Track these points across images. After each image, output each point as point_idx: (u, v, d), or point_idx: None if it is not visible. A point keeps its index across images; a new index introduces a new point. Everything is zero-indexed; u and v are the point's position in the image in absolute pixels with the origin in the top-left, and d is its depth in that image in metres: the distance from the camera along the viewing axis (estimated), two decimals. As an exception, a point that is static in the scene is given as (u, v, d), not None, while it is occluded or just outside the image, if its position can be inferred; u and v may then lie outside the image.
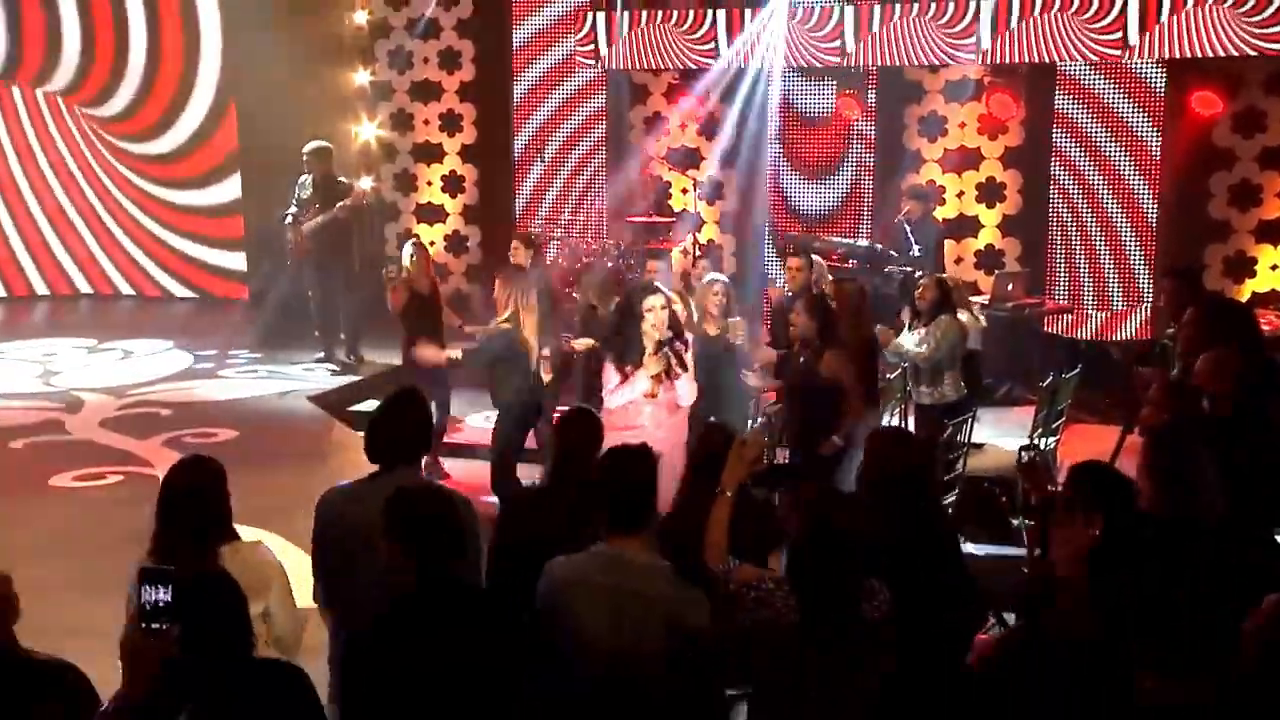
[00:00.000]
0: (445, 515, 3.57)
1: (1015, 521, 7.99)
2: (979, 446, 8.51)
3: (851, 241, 11.80)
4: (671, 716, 3.82)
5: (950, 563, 4.45)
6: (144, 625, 3.15)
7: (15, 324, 14.52)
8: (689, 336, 7.15)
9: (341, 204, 11.83)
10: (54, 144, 15.36)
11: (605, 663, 3.73)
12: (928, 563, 4.22)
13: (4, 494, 8.71)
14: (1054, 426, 8.49)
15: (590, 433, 4.79)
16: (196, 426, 10.13)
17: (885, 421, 8.41)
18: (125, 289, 15.56)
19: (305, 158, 11.93)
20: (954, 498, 7.72)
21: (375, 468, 4.59)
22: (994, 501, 8.23)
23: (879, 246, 11.12)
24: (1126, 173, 12.07)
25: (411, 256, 9.42)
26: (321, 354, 12.13)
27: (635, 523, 3.89)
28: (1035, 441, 8.25)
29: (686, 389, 6.89)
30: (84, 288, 15.64)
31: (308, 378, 11.72)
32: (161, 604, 3.15)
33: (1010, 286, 11.05)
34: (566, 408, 8.60)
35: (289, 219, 11.95)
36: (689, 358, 6.93)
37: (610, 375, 6.84)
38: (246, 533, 4.39)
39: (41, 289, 15.65)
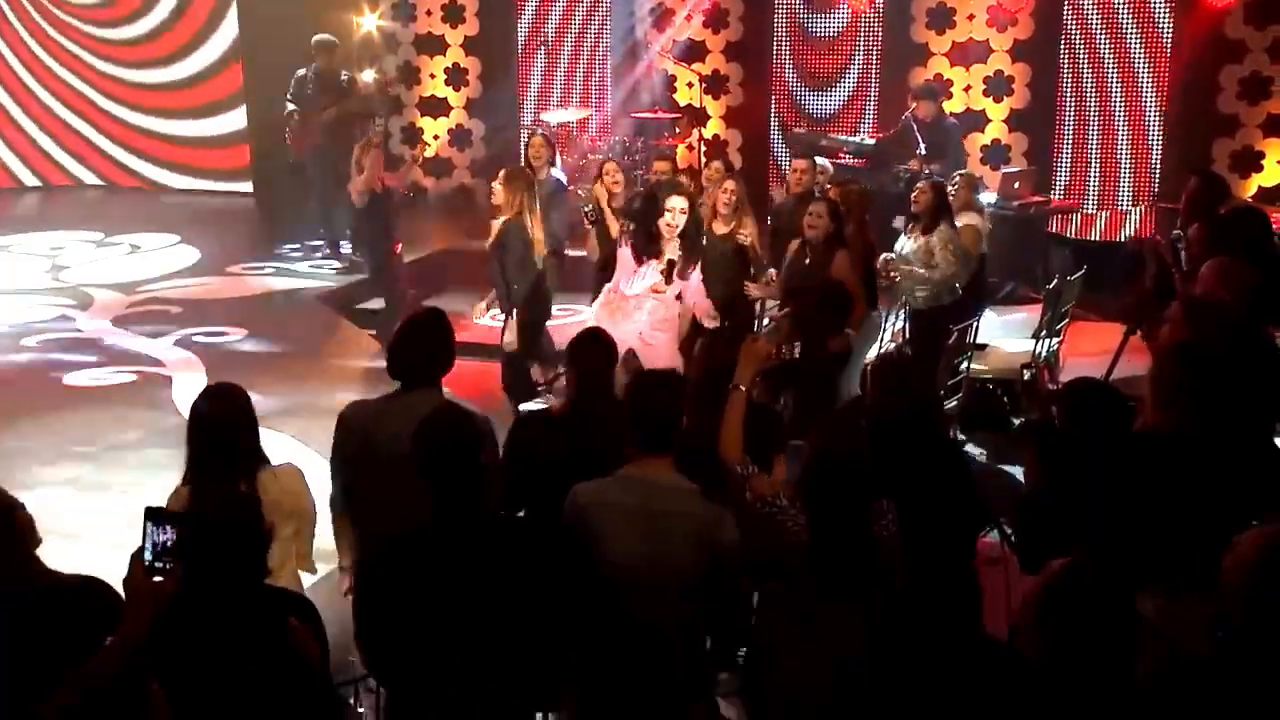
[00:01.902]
0: (466, 451, 3.59)
1: (1017, 422, 8.10)
2: (982, 347, 8.57)
3: (858, 140, 11.76)
4: (700, 629, 3.94)
5: (960, 486, 4.51)
6: (149, 565, 3.22)
7: (18, 216, 14.49)
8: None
9: (368, 94, 11.78)
10: (43, 36, 15.30)
11: (636, 581, 3.81)
12: (939, 493, 4.29)
13: (18, 393, 8.83)
14: (1057, 328, 8.55)
15: (605, 354, 4.82)
16: (206, 325, 10.21)
17: (887, 323, 8.48)
18: (126, 179, 15.55)
19: (312, 49, 11.82)
20: (957, 400, 7.83)
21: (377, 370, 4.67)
22: (996, 403, 8.31)
23: (886, 144, 11.09)
24: (1136, 66, 11.97)
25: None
26: (326, 250, 12.18)
27: (660, 445, 3.95)
28: (1039, 344, 8.32)
29: (696, 285, 7.20)
30: (87, 179, 15.62)
31: (315, 275, 11.76)
32: (168, 544, 3.21)
33: (1016, 185, 11.02)
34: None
35: (292, 112, 11.89)
36: (696, 273, 7.16)
37: (628, 262, 7.10)
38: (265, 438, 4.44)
39: (32, 180, 15.68)
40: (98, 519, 6.65)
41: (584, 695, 4.02)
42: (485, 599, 3.51)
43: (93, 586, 3.49)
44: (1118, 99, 12.07)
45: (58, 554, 3.69)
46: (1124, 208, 12.19)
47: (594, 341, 4.86)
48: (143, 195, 15.23)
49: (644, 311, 7.12)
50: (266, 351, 9.62)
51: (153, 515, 3.23)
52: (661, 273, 7.13)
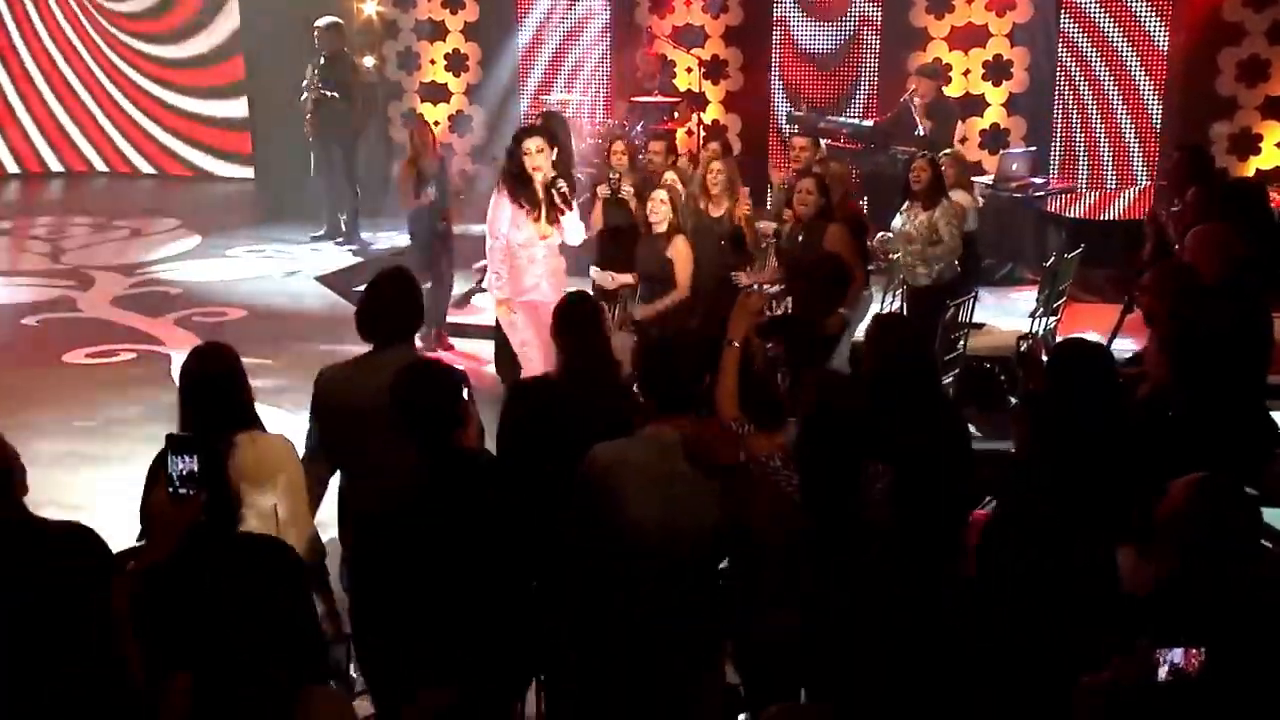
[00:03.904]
0: (449, 399, 3.63)
1: (1013, 400, 8.11)
2: (979, 326, 8.60)
3: (856, 122, 11.78)
4: (716, 589, 3.94)
5: (957, 450, 4.51)
6: (171, 491, 3.24)
7: (23, 201, 14.55)
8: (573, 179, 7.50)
9: (333, 85, 11.76)
10: (57, 24, 15.37)
11: (656, 541, 3.80)
12: (935, 454, 4.28)
13: (18, 370, 8.88)
14: (1055, 306, 8.57)
15: (590, 317, 4.82)
16: (205, 305, 10.27)
17: (883, 302, 8.49)
18: (132, 167, 15.63)
19: (315, 33, 11.84)
20: (953, 377, 7.84)
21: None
22: (992, 381, 8.33)
23: (884, 126, 11.11)
24: (1134, 49, 11.98)
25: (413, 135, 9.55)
26: (324, 231, 12.21)
27: (680, 406, 3.93)
28: (1036, 323, 8.34)
29: (574, 227, 7.21)
30: (96, 164, 15.68)
31: (315, 257, 11.80)
32: (188, 472, 3.23)
33: (1015, 166, 11.04)
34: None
35: (303, 97, 11.94)
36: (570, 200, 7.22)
37: (515, 213, 7.08)
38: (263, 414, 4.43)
39: (51, 165, 15.73)
40: (98, 491, 6.70)
41: (588, 659, 3.99)
42: (485, 543, 3.53)
43: (80, 531, 3.49)
44: (1116, 82, 12.08)
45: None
46: (1121, 188, 12.20)
47: (577, 305, 4.86)
48: (145, 182, 15.29)
49: (539, 264, 7.15)
50: (265, 331, 9.62)
51: (175, 443, 3.25)
52: (533, 217, 7.11)
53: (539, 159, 7.05)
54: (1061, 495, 3.83)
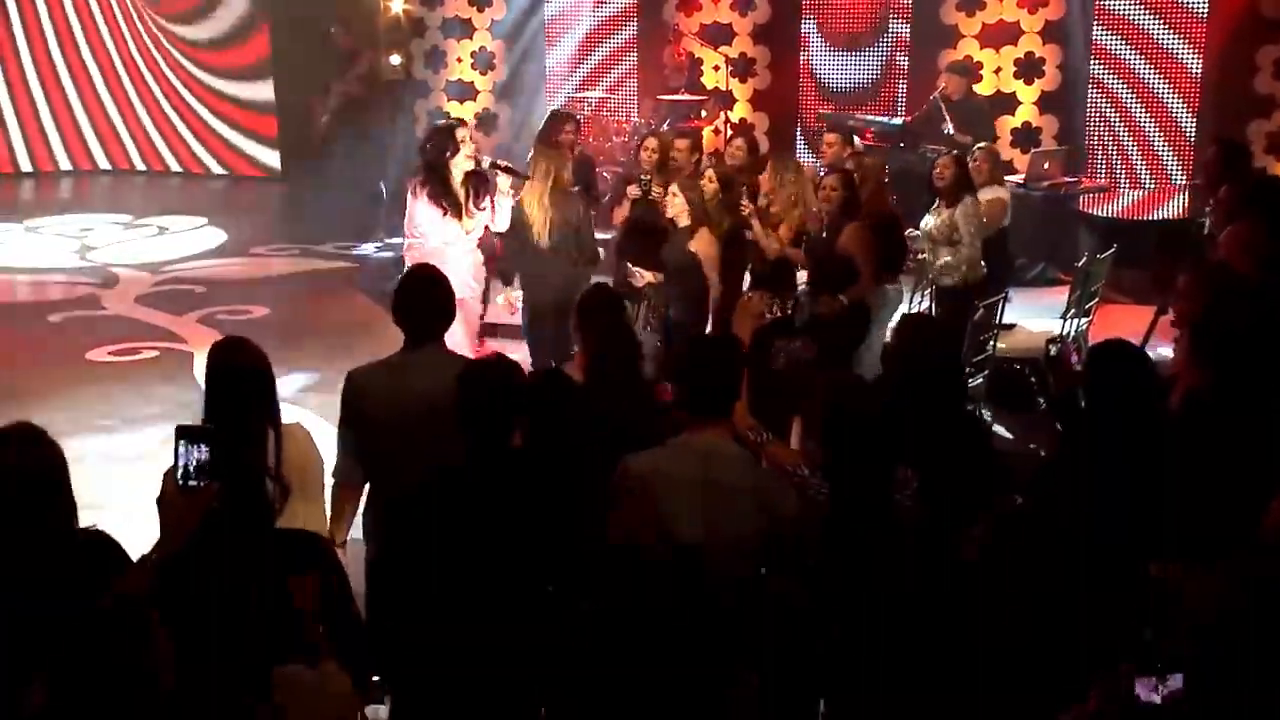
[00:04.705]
0: (505, 393, 3.61)
1: (1043, 403, 8.00)
2: (1010, 327, 8.49)
3: (885, 119, 11.67)
4: (753, 597, 3.81)
5: (981, 456, 4.40)
6: (183, 483, 3.18)
7: (50, 199, 14.63)
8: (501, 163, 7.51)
9: (341, 81, 11.72)
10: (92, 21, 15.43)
11: (695, 553, 3.67)
12: (960, 457, 4.18)
13: (41, 367, 8.87)
14: (1086, 308, 8.44)
15: (613, 309, 4.74)
16: (230, 304, 10.24)
17: (912, 302, 8.38)
18: (152, 165, 15.69)
19: (330, 34, 11.82)
20: (984, 379, 7.74)
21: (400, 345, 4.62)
22: (1022, 383, 8.21)
23: (914, 124, 11.01)
24: (1170, 45, 11.81)
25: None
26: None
27: (718, 411, 3.82)
28: (1067, 324, 8.22)
29: (504, 213, 7.34)
30: (104, 164, 15.76)
31: (340, 257, 11.77)
32: (200, 462, 3.17)
33: (1046, 165, 10.90)
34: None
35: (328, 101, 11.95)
36: (500, 181, 7.34)
37: (430, 210, 7.16)
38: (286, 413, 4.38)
39: (65, 164, 15.81)
40: (118, 489, 6.65)
41: (605, 664, 3.93)
42: (519, 535, 3.48)
43: (100, 540, 3.45)
44: (1151, 79, 11.92)
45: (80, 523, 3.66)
46: (1156, 187, 12.05)
47: (600, 300, 4.79)
48: (171, 180, 15.34)
49: (461, 260, 7.21)
50: (290, 330, 9.59)
51: (185, 433, 3.19)
52: (453, 215, 7.19)
53: (472, 146, 7.28)
54: (1089, 501, 3.74)
